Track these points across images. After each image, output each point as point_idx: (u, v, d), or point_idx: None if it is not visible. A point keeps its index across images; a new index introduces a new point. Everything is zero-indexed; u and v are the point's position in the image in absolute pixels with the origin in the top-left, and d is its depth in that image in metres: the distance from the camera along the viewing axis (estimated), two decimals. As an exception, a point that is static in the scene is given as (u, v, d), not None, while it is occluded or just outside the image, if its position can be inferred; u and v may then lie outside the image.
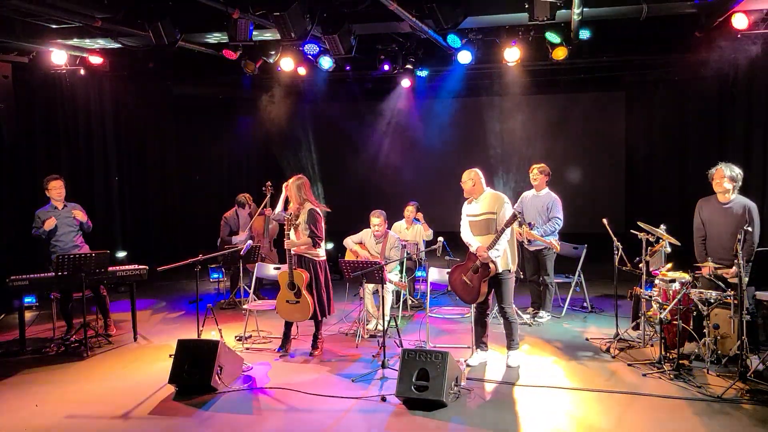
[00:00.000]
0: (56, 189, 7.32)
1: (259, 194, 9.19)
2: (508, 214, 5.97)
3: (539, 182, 7.85)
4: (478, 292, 6.06)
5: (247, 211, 9.26)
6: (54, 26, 8.37)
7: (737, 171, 6.22)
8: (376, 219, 7.56)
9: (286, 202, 6.72)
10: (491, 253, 5.91)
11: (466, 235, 6.25)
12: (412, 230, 8.89)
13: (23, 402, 5.54)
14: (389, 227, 8.01)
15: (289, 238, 6.36)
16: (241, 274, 8.36)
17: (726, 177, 6.16)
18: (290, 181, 6.63)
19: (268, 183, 9.14)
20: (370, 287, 7.41)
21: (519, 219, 5.96)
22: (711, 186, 6.34)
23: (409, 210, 8.97)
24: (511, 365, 6.18)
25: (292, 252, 6.42)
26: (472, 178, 6.23)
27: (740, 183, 6.23)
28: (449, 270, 6.40)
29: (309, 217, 6.50)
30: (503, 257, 6.06)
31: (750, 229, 5.70)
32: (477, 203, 6.20)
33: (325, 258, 6.68)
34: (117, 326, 7.82)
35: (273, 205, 8.85)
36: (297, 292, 6.41)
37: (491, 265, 5.97)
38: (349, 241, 7.76)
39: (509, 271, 6.14)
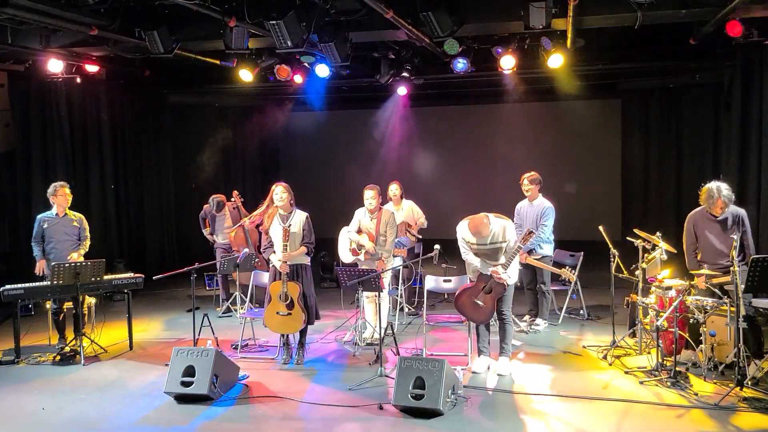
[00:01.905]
0: (63, 196, 7.28)
1: (254, 202, 9.16)
2: (513, 237, 6.07)
3: (532, 192, 7.80)
4: (490, 312, 6.10)
5: (220, 212, 9.13)
6: (50, 35, 8.38)
7: (729, 190, 6.20)
8: (369, 192, 7.28)
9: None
10: (508, 273, 5.99)
11: (473, 257, 6.17)
12: (402, 211, 8.53)
13: (18, 411, 5.51)
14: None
15: (285, 250, 6.33)
16: (238, 282, 8.34)
17: (725, 203, 6.15)
18: (279, 188, 6.51)
19: (235, 192, 9.10)
20: (369, 295, 7.35)
21: (532, 235, 6.09)
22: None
23: (393, 189, 8.54)
24: (502, 372, 6.17)
25: (288, 263, 6.40)
26: (487, 223, 5.96)
27: (734, 196, 6.25)
28: (456, 292, 6.38)
29: (305, 223, 6.52)
30: (514, 268, 6.15)
31: (741, 236, 5.68)
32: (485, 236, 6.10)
33: (309, 263, 6.70)
34: (113, 334, 7.78)
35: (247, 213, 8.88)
36: (290, 304, 6.38)
37: (505, 284, 6.03)
38: (354, 235, 7.36)
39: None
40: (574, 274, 7.39)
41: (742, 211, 6.28)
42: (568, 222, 8.83)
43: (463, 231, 6.18)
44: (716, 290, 6.09)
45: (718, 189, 6.18)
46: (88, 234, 7.52)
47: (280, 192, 6.49)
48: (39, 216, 7.37)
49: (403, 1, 7.06)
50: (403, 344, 7.13)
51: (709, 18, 7.21)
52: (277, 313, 6.41)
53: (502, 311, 6.21)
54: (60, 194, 7.29)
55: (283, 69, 9.57)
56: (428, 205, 12.08)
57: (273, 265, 6.54)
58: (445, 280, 7.16)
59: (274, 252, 6.49)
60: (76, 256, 7.22)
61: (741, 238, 6.13)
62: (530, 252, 7.65)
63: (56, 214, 7.32)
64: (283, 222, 6.46)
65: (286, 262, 6.36)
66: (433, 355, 6.66)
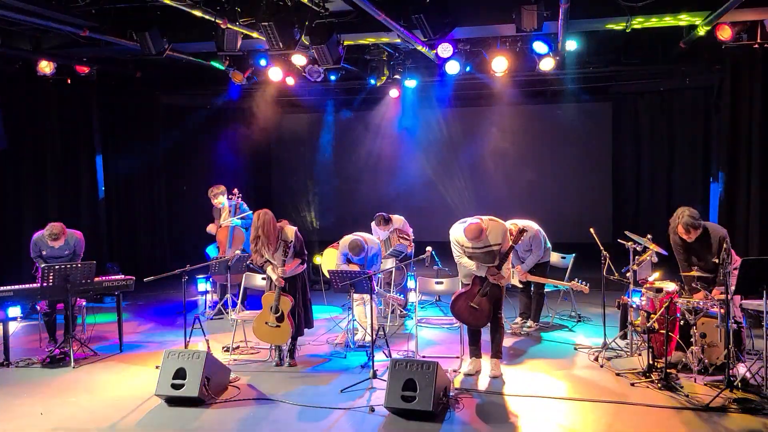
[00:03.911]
0: (57, 243, 7.17)
1: (247, 204, 9.14)
2: (509, 240, 6.09)
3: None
4: (488, 315, 6.08)
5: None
6: (41, 36, 8.35)
7: (693, 216, 6.02)
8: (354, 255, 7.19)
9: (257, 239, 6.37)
10: (503, 272, 6.00)
11: (468, 261, 6.12)
12: (392, 224, 8.63)
13: (8, 414, 5.47)
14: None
15: (282, 265, 6.30)
16: (229, 284, 8.31)
17: (685, 230, 6.04)
18: (260, 222, 6.32)
19: (235, 190, 9.07)
20: (358, 297, 7.34)
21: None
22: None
23: (374, 226, 8.65)
24: (494, 375, 6.18)
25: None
26: (484, 228, 5.96)
27: (701, 219, 6.09)
28: (452, 298, 6.33)
29: (296, 239, 6.48)
30: (510, 269, 6.23)
31: (727, 259, 5.58)
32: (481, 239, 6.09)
33: (305, 267, 6.68)
34: (103, 336, 7.75)
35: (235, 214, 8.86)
36: (279, 317, 6.36)
37: (501, 283, 6.04)
38: (344, 268, 7.31)
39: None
40: (586, 285, 7.33)
41: (723, 234, 6.10)
42: (560, 224, 8.86)
43: (457, 235, 6.13)
44: (707, 291, 6.11)
45: (681, 214, 6.05)
46: (82, 249, 7.46)
47: (262, 224, 6.32)
48: (35, 238, 7.26)
49: (396, 3, 7.07)
50: (395, 346, 7.13)
51: (700, 22, 7.26)
52: (266, 323, 6.39)
53: (495, 313, 6.20)
54: (51, 242, 7.16)
55: (274, 71, 9.55)
56: (421, 207, 12.14)
57: (268, 276, 6.54)
58: (437, 282, 7.16)
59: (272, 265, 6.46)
60: None
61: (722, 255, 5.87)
62: (531, 272, 7.67)
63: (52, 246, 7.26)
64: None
65: (283, 277, 6.35)
66: (425, 357, 6.66)
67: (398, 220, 8.78)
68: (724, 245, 5.69)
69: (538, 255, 7.61)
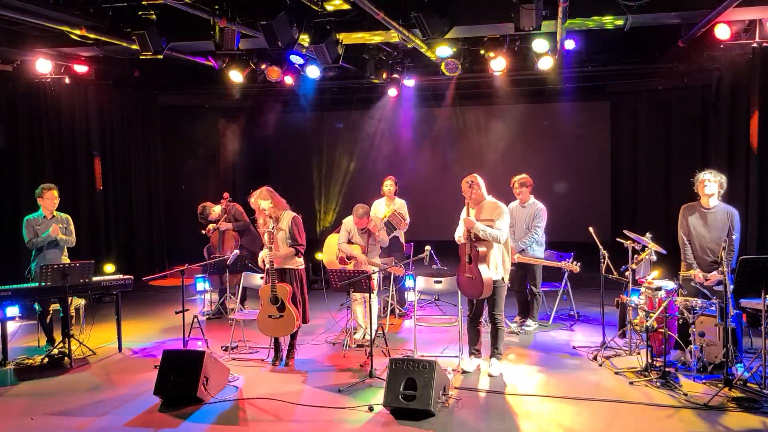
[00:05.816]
0: (51, 199, 7.25)
1: (244, 203, 9.12)
2: (505, 225, 6.05)
3: (523, 194, 7.84)
4: (481, 282, 5.94)
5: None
6: (39, 35, 8.33)
7: (723, 177, 6.31)
8: (359, 216, 7.31)
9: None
10: (491, 266, 5.98)
11: (458, 232, 6.17)
12: (393, 206, 8.58)
13: (6, 415, 5.46)
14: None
15: (271, 250, 6.31)
16: (228, 284, 8.30)
17: (713, 181, 6.23)
18: (259, 193, 6.46)
19: (226, 194, 9.04)
20: (358, 296, 7.34)
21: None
22: (694, 192, 6.39)
23: (388, 184, 8.61)
24: (493, 374, 6.17)
25: (274, 266, 6.36)
26: (470, 183, 6.13)
27: (724, 190, 6.31)
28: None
29: (292, 224, 6.46)
30: (498, 265, 6.08)
31: (734, 236, 5.74)
32: (475, 210, 6.13)
33: (303, 267, 6.64)
34: (102, 336, 7.74)
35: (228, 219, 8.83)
36: (280, 306, 6.31)
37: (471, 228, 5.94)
38: (345, 247, 7.44)
39: (502, 279, 6.15)
40: (576, 264, 7.41)
41: (735, 212, 6.28)
42: (558, 223, 8.86)
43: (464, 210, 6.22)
44: (705, 291, 6.13)
45: (709, 171, 6.29)
46: (73, 230, 7.49)
47: (259, 200, 6.44)
48: (27, 218, 7.30)
49: (394, 3, 7.06)
50: (394, 345, 7.13)
51: (698, 20, 7.26)
52: (269, 316, 6.36)
53: (494, 314, 6.20)
54: (47, 197, 7.24)
55: (273, 70, 9.54)
56: (420, 206, 12.11)
57: (266, 269, 6.53)
58: (436, 281, 7.16)
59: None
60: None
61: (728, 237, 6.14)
62: (522, 251, 7.66)
63: (44, 216, 7.27)
64: (273, 224, 6.43)
65: (271, 263, 6.32)
66: (423, 356, 6.66)
67: (400, 202, 8.76)
68: (731, 230, 5.79)
69: (536, 232, 7.63)
